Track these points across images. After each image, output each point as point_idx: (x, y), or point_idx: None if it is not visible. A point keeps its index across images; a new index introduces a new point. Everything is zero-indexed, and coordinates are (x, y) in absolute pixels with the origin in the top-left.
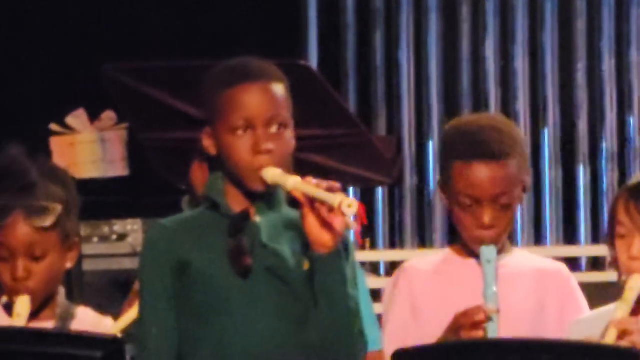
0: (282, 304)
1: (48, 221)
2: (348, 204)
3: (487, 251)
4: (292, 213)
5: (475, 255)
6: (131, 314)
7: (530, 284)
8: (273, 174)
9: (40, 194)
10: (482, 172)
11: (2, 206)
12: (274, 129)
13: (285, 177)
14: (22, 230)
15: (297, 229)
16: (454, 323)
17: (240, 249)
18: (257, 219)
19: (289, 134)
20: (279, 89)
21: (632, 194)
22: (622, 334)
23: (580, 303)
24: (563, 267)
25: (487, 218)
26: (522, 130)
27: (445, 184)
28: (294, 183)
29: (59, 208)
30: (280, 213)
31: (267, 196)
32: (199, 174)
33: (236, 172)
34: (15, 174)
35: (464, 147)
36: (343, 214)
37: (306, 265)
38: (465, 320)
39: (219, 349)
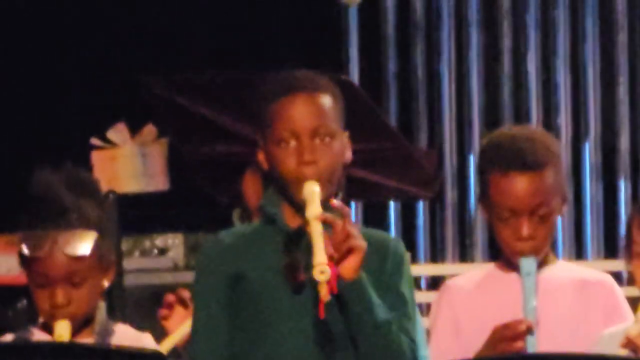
0: (332, 322)
1: (85, 249)
2: (321, 270)
3: (527, 263)
4: None
5: (517, 269)
6: (180, 332)
7: (573, 295)
8: (308, 191)
9: (75, 220)
10: (518, 183)
11: (38, 235)
12: (318, 139)
13: (313, 201)
14: (59, 259)
15: None
16: (493, 336)
17: (295, 265)
18: None
19: (337, 145)
20: (326, 99)
21: None
22: (633, 352)
23: (625, 313)
24: (607, 278)
25: (525, 230)
26: (563, 144)
27: (484, 196)
28: (310, 214)
29: (94, 234)
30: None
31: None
32: (251, 185)
33: (284, 183)
34: (49, 201)
35: (500, 157)
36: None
37: None
38: (506, 332)
39: None
